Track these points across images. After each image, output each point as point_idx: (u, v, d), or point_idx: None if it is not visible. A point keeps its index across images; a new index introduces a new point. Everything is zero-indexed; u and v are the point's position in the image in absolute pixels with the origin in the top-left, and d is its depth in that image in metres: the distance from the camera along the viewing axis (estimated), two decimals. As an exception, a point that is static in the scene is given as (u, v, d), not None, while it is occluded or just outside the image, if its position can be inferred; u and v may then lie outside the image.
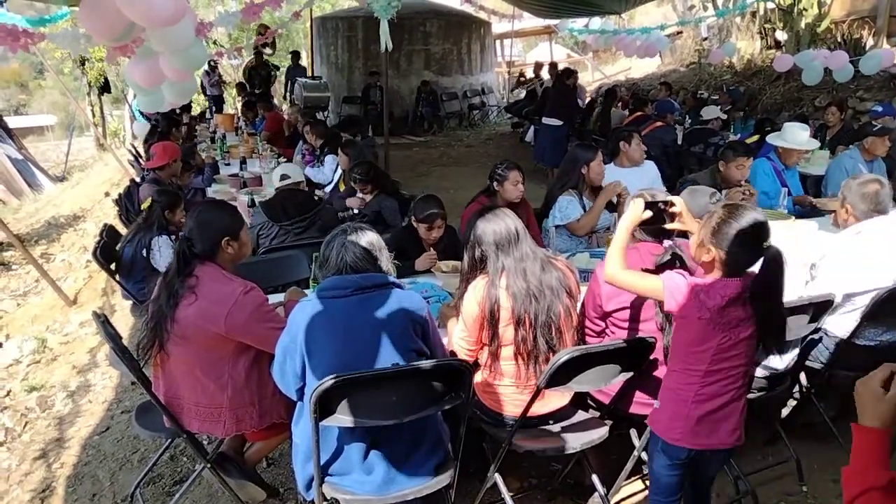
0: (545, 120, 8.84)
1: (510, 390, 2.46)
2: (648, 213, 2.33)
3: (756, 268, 2.01)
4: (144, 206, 3.91)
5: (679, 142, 7.42)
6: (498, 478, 2.42)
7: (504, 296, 2.33)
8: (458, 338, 2.46)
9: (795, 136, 4.64)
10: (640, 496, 2.89)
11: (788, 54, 8.35)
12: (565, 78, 9.05)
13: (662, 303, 2.15)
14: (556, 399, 2.52)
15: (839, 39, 9.56)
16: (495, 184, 3.85)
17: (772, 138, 4.75)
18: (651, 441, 2.24)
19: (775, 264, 1.98)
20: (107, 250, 3.99)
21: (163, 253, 3.77)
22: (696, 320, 2.01)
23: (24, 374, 4.51)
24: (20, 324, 5.57)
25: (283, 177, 4.37)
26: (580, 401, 2.71)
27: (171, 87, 3.56)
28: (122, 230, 4.85)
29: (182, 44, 3.00)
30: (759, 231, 1.98)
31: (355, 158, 5.10)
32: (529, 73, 15.37)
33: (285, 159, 6.93)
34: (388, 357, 2.09)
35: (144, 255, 3.79)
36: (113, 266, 3.97)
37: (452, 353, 2.47)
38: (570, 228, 3.90)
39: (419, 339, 2.17)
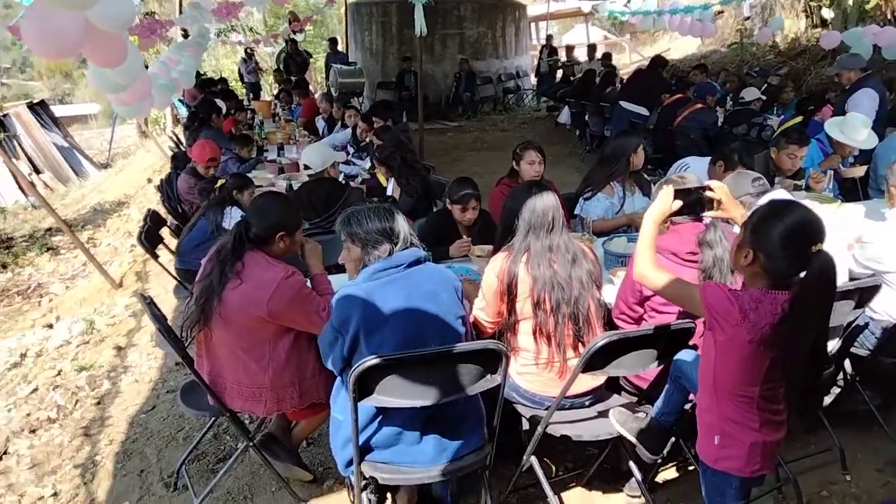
0: (626, 105, 7.95)
1: (531, 368, 2.47)
2: (678, 204, 2.11)
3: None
4: (219, 185, 4.12)
5: (720, 123, 7.25)
6: (534, 461, 2.43)
7: (523, 271, 2.36)
8: (478, 308, 2.51)
9: (855, 132, 4.31)
10: (678, 482, 2.88)
11: (836, 31, 8.05)
12: (659, 66, 8.46)
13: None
14: (586, 379, 2.49)
15: (889, 16, 9.20)
16: (514, 163, 3.89)
17: (830, 126, 4.50)
18: (719, 482, 1.94)
19: (823, 277, 1.65)
20: (150, 234, 4.11)
21: (234, 219, 3.92)
22: (745, 344, 1.75)
23: (73, 354, 4.67)
24: (69, 306, 5.78)
25: (306, 167, 4.42)
26: (614, 383, 2.70)
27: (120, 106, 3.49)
28: (165, 215, 4.98)
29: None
30: (808, 231, 1.68)
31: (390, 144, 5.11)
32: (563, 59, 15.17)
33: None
34: (446, 325, 2.15)
35: (223, 224, 3.94)
36: (171, 247, 4.12)
37: (475, 323, 2.52)
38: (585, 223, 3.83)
39: (462, 306, 2.24)
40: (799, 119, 5.91)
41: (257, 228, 2.47)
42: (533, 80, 15.09)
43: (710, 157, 3.99)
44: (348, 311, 2.08)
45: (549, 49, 14.23)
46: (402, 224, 2.21)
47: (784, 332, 1.71)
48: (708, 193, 2.18)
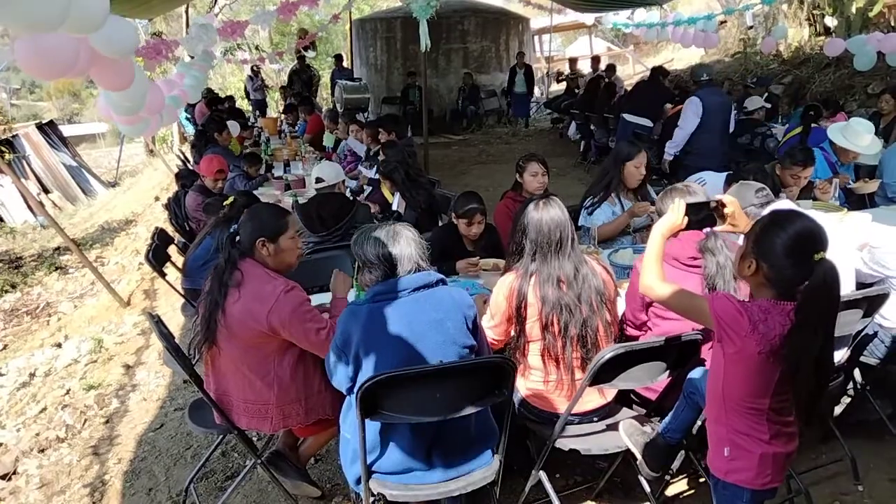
0: (629, 117, 7.91)
1: (539, 386, 2.46)
2: (685, 222, 2.16)
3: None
4: (227, 202, 4.07)
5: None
6: (543, 476, 2.42)
7: (531, 294, 2.34)
8: (486, 326, 2.49)
9: (858, 137, 4.35)
10: (688, 494, 2.85)
11: (840, 38, 8.06)
12: (661, 75, 8.38)
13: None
14: (595, 397, 2.49)
15: (893, 23, 9.20)
16: (518, 176, 3.91)
17: (833, 132, 4.51)
18: (730, 495, 1.91)
19: (826, 286, 1.65)
20: (158, 252, 4.14)
21: None
22: (754, 355, 1.74)
23: (82, 373, 4.69)
24: (77, 325, 5.80)
25: (318, 180, 4.40)
26: (624, 397, 2.68)
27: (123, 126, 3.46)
28: (173, 233, 5.01)
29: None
30: (810, 240, 1.69)
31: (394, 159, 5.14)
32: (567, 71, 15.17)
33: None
34: (447, 353, 2.11)
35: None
36: (179, 265, 4.12)
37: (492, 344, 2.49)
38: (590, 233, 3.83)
39: (471, 334, 2.20)
40: (798, 130, 5.90)
41: (241, 237, 2.50)
42: (537, 91, 15.00)
43: (725, 174, 3.99)
44: (350, 328, 2.08)
45: (525, 67, 13.02)
46: (405, 248, 2.13)
47: (791, 342, 1.70)
48: (722, 208, 2.21)
